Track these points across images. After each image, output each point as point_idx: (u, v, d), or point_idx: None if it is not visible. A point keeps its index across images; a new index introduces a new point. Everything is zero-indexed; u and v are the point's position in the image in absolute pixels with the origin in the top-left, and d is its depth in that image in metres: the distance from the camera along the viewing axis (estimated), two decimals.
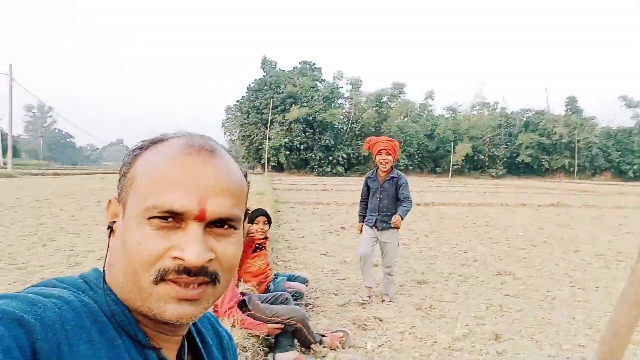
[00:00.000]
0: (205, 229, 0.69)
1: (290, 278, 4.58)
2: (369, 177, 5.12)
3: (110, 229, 0.75)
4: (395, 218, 4.68)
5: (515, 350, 3.55)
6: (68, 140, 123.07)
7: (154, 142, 0.75)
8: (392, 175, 4.92)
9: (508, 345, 3.68)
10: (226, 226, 0.72)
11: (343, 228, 9.79)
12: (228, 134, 62.13)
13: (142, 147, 0.75)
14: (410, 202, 4.86)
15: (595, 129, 56.02)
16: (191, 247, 0.66)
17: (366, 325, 4.05)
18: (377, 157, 4.89)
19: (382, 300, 4.79)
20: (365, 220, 5.05)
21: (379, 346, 3.57)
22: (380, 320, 4.18)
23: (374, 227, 4.89)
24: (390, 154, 4.85)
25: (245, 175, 0.81)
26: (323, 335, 3.58)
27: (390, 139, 4.99)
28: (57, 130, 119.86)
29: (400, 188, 4.86)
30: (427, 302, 4.68)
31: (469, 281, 5.63)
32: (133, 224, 0.68)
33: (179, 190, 0.67)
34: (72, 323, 0.61)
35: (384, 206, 4.86)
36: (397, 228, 4.79)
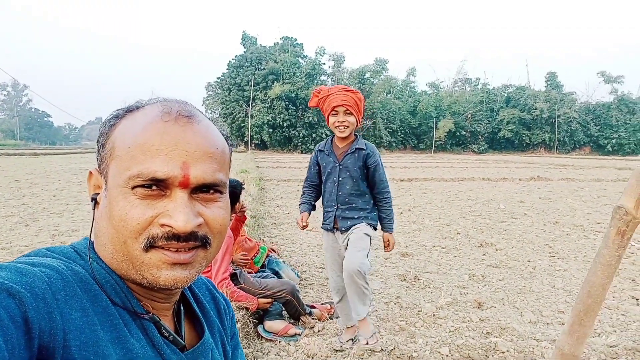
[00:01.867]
0: (190, 195, 0.70)
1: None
2: (320, 151, 3.21)
3: (95, 201, 0.74)
4: (385, 239, 3.18)
5: (498, 317, 3.67)
6: (45, 119, 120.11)
7: (130, 110, 0.75)
8: (356, 146, 3.05)
9: (490, 312, 3.80)
10: (212, 191, 0.72)
11: None
12: (209, 111, 61.34)
13: (118, 117, 0.74)
14: (390, 194, 3.17)
15: (575, 104, 56.62)
16: (178, 213, 0.67)
17: None
18: (331, 119, 3.01)
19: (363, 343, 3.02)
20: (322, 224, 3.25)
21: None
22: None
23: (334, 230, 3.15)
24: (351, 113, 2.96)
25: (227, 139, 0.80)
26: (312, 307, 3.66)
27: (351, 88, 3.03)
28: (33, 110, 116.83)
29: (372, 168, 3.05)
30: (412, 274, 4.78)
31: (452, 253, 5.75)
32: (117, 195, 0.68)
33: (160, 158, 0.67)
34: (63, 292, 0.61)
35: (344, 195, 3.07)
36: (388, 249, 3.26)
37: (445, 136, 53.86)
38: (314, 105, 3.16)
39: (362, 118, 3.10)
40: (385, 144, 51.63)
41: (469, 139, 56.36)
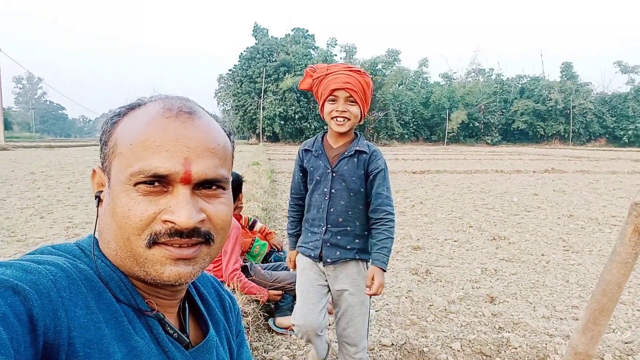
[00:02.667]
0: (193, 191, 0.70)
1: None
2: (306, 151, 2.37)
3: (98, 199, 0.75)
4: (371, 275, 2.15)
5: (510, 312, 3.64)
6: (60, 112, 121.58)
7: (131, 107, 0.75)
8: (356, 148, 2.23)
9: (503, 307, 3.77)
10: (214, 187, 0.73)
11: None
12: (221, 103, 61.58)
13: (120, 114, 0.75)
14: (393, 216, 2.22)
15: (590, 95, 55.78)
16: (180, 209, 0.67)
17: None
18: (328, 107, 2.20)
19: None
20: (298, 244, 2.43)
21: (377, 310, 3.64)
22: None
23: (318, 261, 2.31)
24: (355, 101, 2.16)
25: (229, 135, 0.81)
26: None
27: (357, 68, 2.22)
28: (48, 102, 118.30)
29: (373, 176, 2.22)
30: (423, 267, 4.76)
31: (464, 246, 5.71)
32: (120, 191, 0.68)
33: (161, 154, 0.67)
34: (68, 290, 0.61)
35: (337, 213, 2.25)
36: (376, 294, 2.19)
37: (458, 128, 53.44)
38: (306, 87, 2.35)
39: (368, 111, 2.32)
40: (398, 136, 51.39)
41: (482, 131, 55.88)
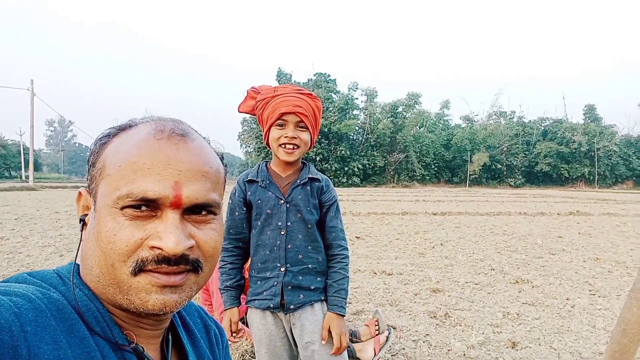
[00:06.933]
0: (182, 216, 0.67)
1: None
2: (249, 183, 2.02)
3: (83, 222, 0.72)
4: (327, 324, 1.92)
5: (533, 358, 3.47)
6: (88, 154, 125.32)
7: (122, 128, 0.73)
8: (309, 175, 2.01)
9: (525, 353, 3.60)
10: (204, 212, 0.70)
11: (357, 237, 9.72)
12: (244, 145, 62.63)
13: (110, 135, 0.72)
14: (347, 252, 2.11)
15: (615, 137, 55.10)
16: (168, 235, 0.64)
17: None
18: (275, 132, 1.93)
19: None
20: (248, 298, 2.03)
21: (393, 355, 3.52)
22: (393, 328, 4.13)
23: (279, 310, 1.96)
24: (306, 127, 1.95)
25: (222, 159, 0.78)
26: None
27: (308, 91, 2.00)
28: (77, 144, 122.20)
29: (326, 208, 2.03)
30: (442, 310, 4.61)
31: (485, 289, 5.53)
32: (105, 215, 0.65)
33: (151, 177, 0.64)
34: (34, 323, 0.56)
35: (297, 249, 1.95)
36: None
37: (480, 169, 53.13)
38: (247, 110, 2.06)
39: (317, 137, 2.08)
40: (419, 177, 51.30)
41: (505, 173, 55.41)
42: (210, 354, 0.88)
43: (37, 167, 57.91)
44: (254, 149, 56.15)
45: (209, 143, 0.78)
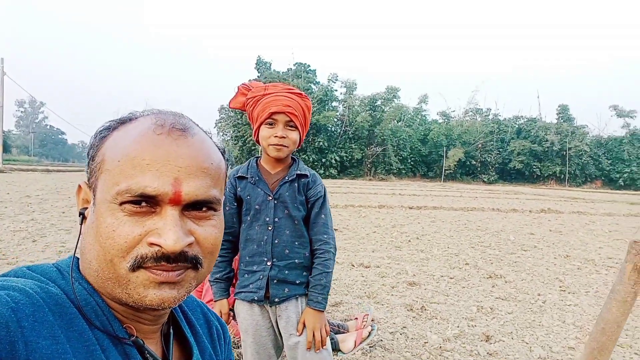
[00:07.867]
0: (182, 212, 0.66)
1: None
2: (239, 179, 2.11)
3: (82, 216, 0.71)
4: (302, 318, 1.96)
5: (506, 352, 3.57)
6: (60, 136, 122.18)
7: (122, 122, 0.72)
8: (297, 172, 2.07)
9: (499, 346, 3.70)
10: (204, 208, 0.69)
11: (335, 230, 9.80)
12: (221, 134, 62.02)
13: (110, 128, 0.71)
14: (334, 247, 2.06)
15: (587, 138, 56.45)
16: (168, 231, 0.63)
17: None
18: (265, 131, 2.01)
19: None
20: (236, 290, 2.08)
21: (370, 347, 3.58)
22: (372, 321, 4.19)
23: (264, 304, 2.02)
24: (296, 127, 2.02)
25: (223, 153, 0.77)
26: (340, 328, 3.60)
27: (298, 91, 2.08)
28: (48, 126, 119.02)
29: (312, 202, 2.06)
30: (419, 304, 4.69)
31: (460, 284, 5.65)
32: (104, 210, 0.65)
33: (150, 173, 0.63)
34: (31, 318, 0.56)
35: (283, 244, 1.99)
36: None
37: (455, 165, 53.76)
38: (238, 106, 2.15)
39: (306, 135, 2.14)
40: (395, 171, 51.65)
41: (479, 169, 56.19)
42: (212, 349, 0.88)
43: (7, 149, 56.27)
44: (231, 137, 55.65)
45: (211, 137, 0.77)
